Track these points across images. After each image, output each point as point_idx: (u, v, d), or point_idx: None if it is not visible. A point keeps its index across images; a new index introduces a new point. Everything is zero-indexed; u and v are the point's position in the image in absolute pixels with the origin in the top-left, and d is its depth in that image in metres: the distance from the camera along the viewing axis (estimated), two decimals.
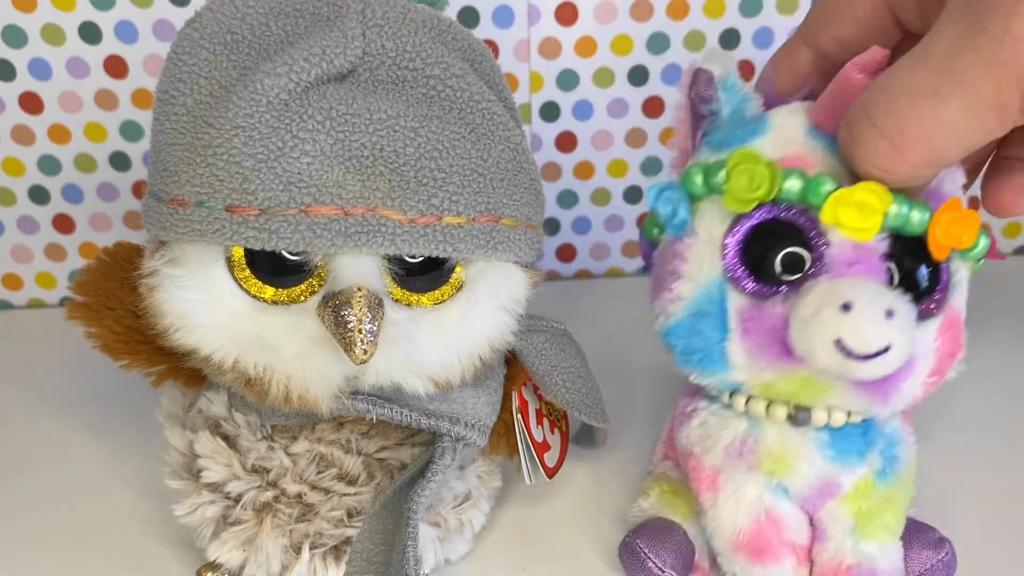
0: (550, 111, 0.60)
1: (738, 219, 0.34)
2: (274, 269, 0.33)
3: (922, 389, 0.35)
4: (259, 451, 0.38)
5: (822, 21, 0.35)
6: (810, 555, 0.37)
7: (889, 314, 0.31)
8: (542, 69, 0.58)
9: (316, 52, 0.31)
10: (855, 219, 0.31)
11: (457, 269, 0.35)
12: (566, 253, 0.65)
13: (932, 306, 0.34)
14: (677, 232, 0.35)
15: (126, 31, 0.55)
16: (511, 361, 0.41)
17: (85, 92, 0.56)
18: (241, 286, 0.33)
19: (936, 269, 0.34)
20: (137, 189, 0.59)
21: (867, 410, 0.35)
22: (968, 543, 0.39)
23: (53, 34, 0.54)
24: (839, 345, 0.31)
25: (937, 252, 0.32)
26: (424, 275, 0.35)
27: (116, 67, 0.56)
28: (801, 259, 0.33)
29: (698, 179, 0.34)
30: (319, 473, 0.38)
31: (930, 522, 0.39)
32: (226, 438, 0.38)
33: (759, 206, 0.33)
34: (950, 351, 0.35)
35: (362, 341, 0.32)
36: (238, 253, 0.33)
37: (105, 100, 0.56)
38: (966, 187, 0.36)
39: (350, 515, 0.37)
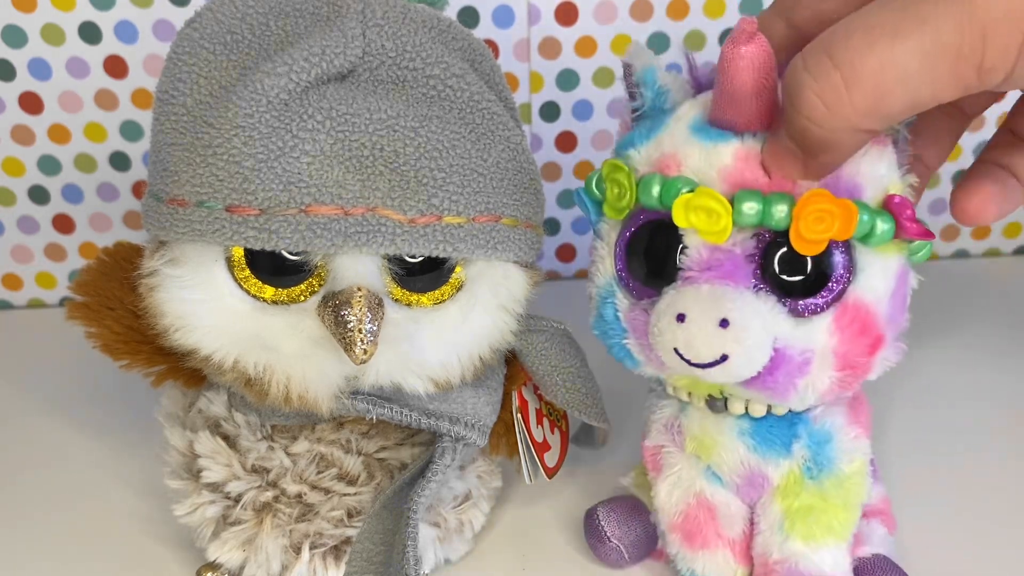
0: (550, 111, 0.60)
1: (625, 225, 0.35)
2: (274, 269, 0.33)
3: (832, 384, 0.33)
4: (259, 451, 0.38)
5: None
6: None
7: (723, 323, 0.31)
8: (542, 69, 0.58)
9: (316, 52, 0.31)
10: (704, 222, 0.31)
11: (457, 269, 0.35)
12: (566, 253, 0.65)
13: (815, 304, 0.32)
14: (595, 233, 0.37)
15: (126, 31, 0.55)
16: (511, 361, 0.41)
17: (85, 92, 0.56)
18: (241, 286, 0.33)
19: (822, 263, 0.32)
20: (137, 189, 0.59)
21: (775, 403, 0.35)
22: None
23: (53, 34, 0.54)
24: (678, 353, 0.32)
25: (803, 247, 0.31)
26: (424, 275, 0.35)
27: (116, 67, 0.56)
28: (672, 262, 0.33)
29: (593, 186, 0.36)
30: (319, 473, 0.38)
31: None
32: (226, 438, 0.38)
33: (638, 213, 0.34)
34: (859, 344, 0.33)
35: (362, 341, 0.32)
36: (238, 253, 0.33)
37: (105, 100, 0.56)
38: (918, 189, 0.34)
39: (350, 515, 0.37)
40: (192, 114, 0.32)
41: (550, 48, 0.58)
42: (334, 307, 0.32)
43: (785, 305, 0.32)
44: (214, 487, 0.37)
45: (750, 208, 0.31)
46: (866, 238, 0.31)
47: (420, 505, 0.36)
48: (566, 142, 0.61)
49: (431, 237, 0.33)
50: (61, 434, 0.49)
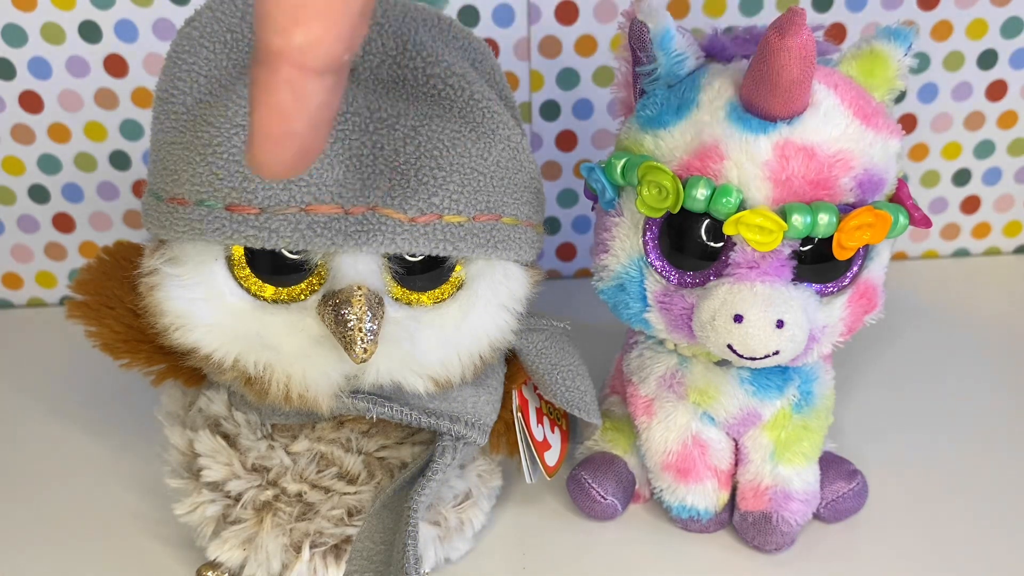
0: (550, 110, 0.60)
1: (660, 217, 0.36)
2: (274, 268, 0.33)
3: (831, 347, 0.38)
4: (259, 450, 0.38)
5: None
6: (732, 479, 0.41)
7: (779, 324, 0.34)
8: (542, 68, 0.58)
9: None
10: (756, 236, 0.34)
11: (457, 268, 0.35)
12: (566, 252, 0.65)
13: (838, 287, 0.36)
14: (607, 207, 0.38)
15: (126, 30, 0.55)
16: (511, 360, 0.41)
17: (85, 91, 0.56)
18: (241, 285, 0.33)
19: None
20: (137, 188, 0.59)
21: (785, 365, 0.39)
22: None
23: (53, 33, 0.54)
24: (731, 348, 0.34)
25: (841, 254, 0.35)
26: (424, 274, 0.34)
27: (116, 66, 0.56)
28: (711, 250, 0.36)
29: (618, 173, 0.36)
30: (319, 472, 0.38)
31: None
32: (226, 437, 0.38)
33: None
34: (862, 312, 0.37)
35: (362, 340, 0.32)
36: (238, 252, 0.33)
37: (105, 99, 0.56)
38: None
39: (350, 514, 0.37)
40: (192, 113, 0.32)
41: (550, 47, 0.58)
42: (334, 306, 0.32)
43: (816, 291, 0.36)
44: (214, 486, 0.37)
45: (798, 221, 0.33)
46: (889, 234, 0.35)
47: (420, 504, 0.36)
48: (566, 141, 0.61)
49: (431, 236, 0.33)
50: (61, 433, 0.49)
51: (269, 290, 0.34)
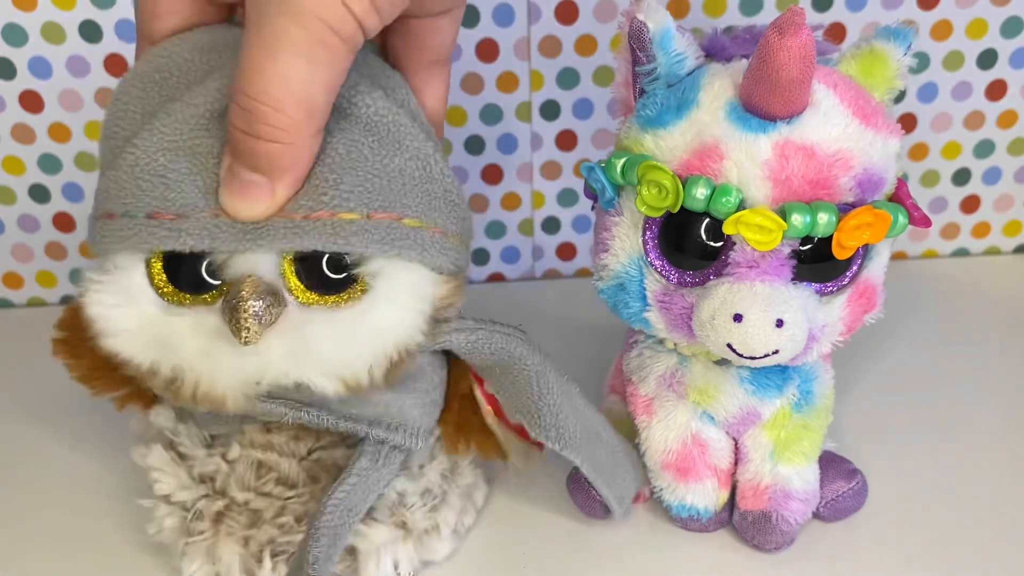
0: (550, 109, 0.60)
1: (659, 217, 0.36)
2: (190, 280, 0.34)
3: (831, 347, 0.38)
4: (200, 459, 0.39)
5: (147, 19, 0.36)
6: (732, 478, 0.41)
7: (779, 323, 0.34)
8: (542, 68, 0.58)
9: (228, 84, 0.33)
10: (756, 235, 0.34)
11: (361, 269, 0.34)
12: (566, 252, 0.65)
13: (838, 286, 0.36)
14: (607, 206, 0.38)
15: (126, 29, 0.55)
16: (455, 364, 0.40)
17: (86, 90, 0.56)
18: (157, 292, 0.34)
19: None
20: None
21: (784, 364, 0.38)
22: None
23: (53, 32, 0.54)
24: (731, 347, 0.34)
25: (840, 253, 0.35)
26: (329, 273, 0.34)
27: (116, 65, 0.56)
28: (711, 250, 0.36)
29: (617, 172, 0.36)
30: (260, 479, 0.39)
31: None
32: (175, 449, 0.40)
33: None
34: (861, 311, 0.37)
35: (245, 320, 0.32)
36: (157, 264, 0.34)
37: (105, 99, 0.56)
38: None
39: (298, 520, 0.38)
40: (130, 141, 0.34)
41: (550, 47, 0.58)
42: (229, 296, 0.33)
43: (815, 290, 0.36)
44: (167, 498, 0.38)
45: (798, 221, 0.33)
46: (888, 233, 0.35)
47: (329, 507, 0.36)
48: (566, 141, 0.61)
49: (323, 232, 0.33)
50: (62, 432, 0.49)
51: (184, 298, 0.34)
